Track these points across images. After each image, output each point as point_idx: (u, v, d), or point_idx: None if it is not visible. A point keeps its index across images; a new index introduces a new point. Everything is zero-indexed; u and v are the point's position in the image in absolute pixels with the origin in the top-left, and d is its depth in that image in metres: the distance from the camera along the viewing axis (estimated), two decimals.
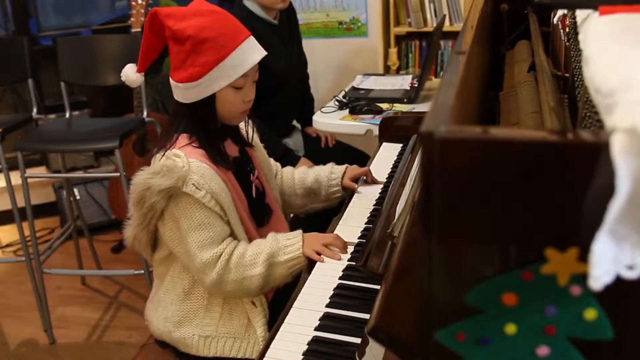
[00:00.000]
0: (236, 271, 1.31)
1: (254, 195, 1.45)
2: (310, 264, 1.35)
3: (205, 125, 1.35)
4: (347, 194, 1.66)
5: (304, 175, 1.65)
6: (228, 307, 1.38)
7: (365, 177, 1.72)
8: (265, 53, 1.35)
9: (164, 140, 1.37)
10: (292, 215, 1.81)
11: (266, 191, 1.51)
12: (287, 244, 1.35)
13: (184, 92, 1.32)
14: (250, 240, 1.39)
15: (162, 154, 1.32)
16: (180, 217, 1.29)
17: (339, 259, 1.36)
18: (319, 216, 1.74)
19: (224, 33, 1.29)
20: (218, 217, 1.31)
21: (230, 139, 1.44)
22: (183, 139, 1.35)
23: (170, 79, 1.34)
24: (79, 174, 3.27)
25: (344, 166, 1.68)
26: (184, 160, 1.27)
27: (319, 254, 1.35)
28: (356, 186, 1.68)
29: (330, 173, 1.65)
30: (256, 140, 1.56)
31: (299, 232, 1.38)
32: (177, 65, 1.31)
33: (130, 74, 1.41)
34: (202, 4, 1.34)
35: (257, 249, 1.33)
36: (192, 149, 1.32)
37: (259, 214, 1.47)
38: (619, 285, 0.45)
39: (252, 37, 1.34)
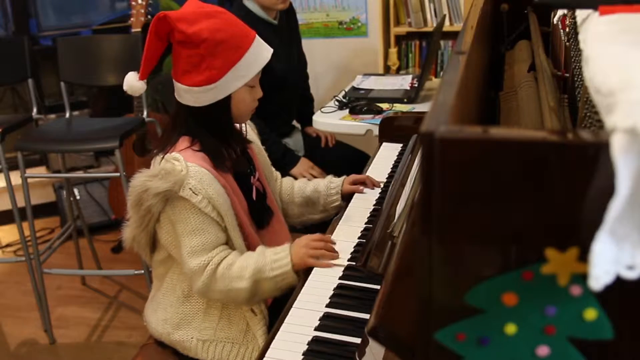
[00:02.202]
0: (222, 282, 1.29)
1: (254, 197, 1.44)
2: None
3: (218, 126, 1.35)
4: (344, 204, 1.64)
5: (303, 185, 1.65)
6: (227, 312, 1.38)
7: (365, 183, 1.70)
8: (272, 50, 1.38)
9: (164, 142, 1.36)
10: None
11: (267, 192, 1.51)
12: (275, 259, 1.30)
13: (198, 96, 1.31)
14: (248, 245, 1.38)
15: (162, 156, 1.31)
16: (176, 221, 1.29)
17: (338, 257, 1.35)
18: (317, 228, 1.72)
19: (236, 34, 1.30)
20: (213, 223, 1.29)
21: (233, 140, 1.44)
22: (184, 141, 1.34)
23: (178, 83, 1.32)
24: (79, 174, 3.27)
25: (343, 177, 1.68)
26: (182, 164, 1.26)
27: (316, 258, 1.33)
28: (361, 187, 1.68)
29: (329, 182, 1.65)
30: (257, 141, 1.56)
31: (287, 246, 1.34)
32: (189, 69, 1.29)
33: (133, 82, 1.37)
34: (203, 5, 1.33)
35: (245, 262, 1.29)
36: (192, 153, 1.32)
37: (259, 216, 1.46)
38: (619, 285, 0.45)
39: (257, 36, 1.36)
